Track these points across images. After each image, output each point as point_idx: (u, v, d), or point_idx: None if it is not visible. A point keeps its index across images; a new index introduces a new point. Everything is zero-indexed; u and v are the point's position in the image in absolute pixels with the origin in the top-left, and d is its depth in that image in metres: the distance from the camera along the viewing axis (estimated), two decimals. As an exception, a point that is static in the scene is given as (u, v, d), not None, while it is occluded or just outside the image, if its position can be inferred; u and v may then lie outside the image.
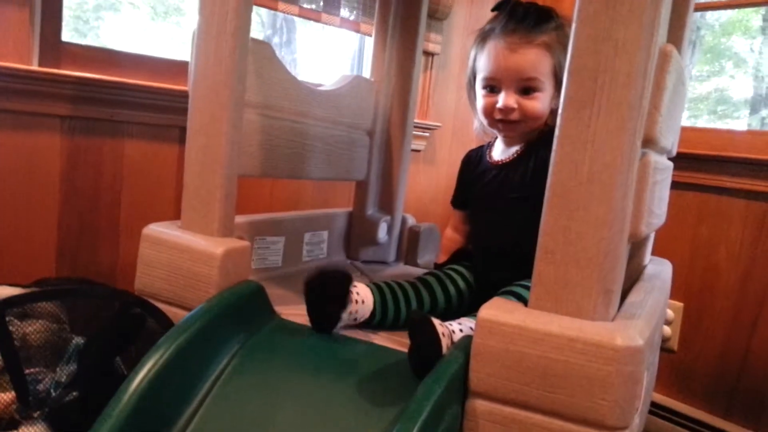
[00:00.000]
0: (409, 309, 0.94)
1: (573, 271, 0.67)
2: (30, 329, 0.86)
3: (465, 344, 0.71)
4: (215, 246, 0.85)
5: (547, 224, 0.69)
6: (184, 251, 0.87)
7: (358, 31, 1.49)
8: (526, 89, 0.98)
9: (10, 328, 0.83)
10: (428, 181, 1.74)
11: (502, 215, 1.04)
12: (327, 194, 1.52)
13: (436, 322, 0.77)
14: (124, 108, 1.21)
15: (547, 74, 0.98)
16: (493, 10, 1.03)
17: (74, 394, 0.80)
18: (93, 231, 1.22)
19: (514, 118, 0.99)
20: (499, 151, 1.07)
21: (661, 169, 0.78)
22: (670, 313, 1.51)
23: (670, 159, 1.08)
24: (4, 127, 1.09)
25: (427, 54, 1.63)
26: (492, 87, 1.00)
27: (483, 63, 1.00)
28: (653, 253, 1.49)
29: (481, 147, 1.14)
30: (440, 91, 1.72)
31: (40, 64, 1.13)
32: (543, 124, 1.02)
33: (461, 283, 1.03)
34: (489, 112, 1.01)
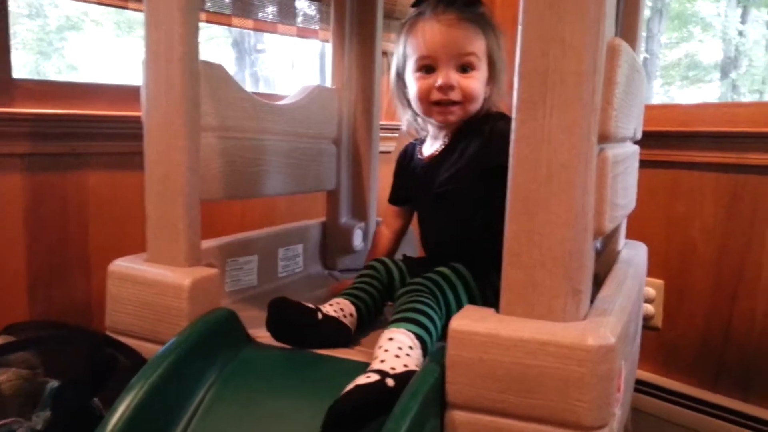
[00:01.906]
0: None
1: (540, 273, 0.67)
2: (1, 378, 0.84)
3: (439, 356, 0.70)
4: (182, 277, 0.84)
5: (510, 228, 0.68)
6: (152, 285, 0.85)
7: (316, 38, 1.48)
8: (464, 67, 0.96)
9: (-19, 379, 0.81)
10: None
11: (433, 211, 1.05)
12: (301, 206, 1.51)
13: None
14: (84, 140, 1.19)
15: (482, 54, 0.97)
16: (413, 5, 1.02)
17: (50, 441, 0.78)
18: (63, 267, 1.20)
19: (455, 98, 0.96)
20: (428, 145, 1.07)
21: (622, 159, 0.78)
22: (651, 291, 1.52)
23: (636, 142, 1.09)
24: (-39, 171, 1.07)
25: (390, 54, 1.62)
26: (428, 67, 0.97)
27: (415, 45, 0.98)
28: (630, 233, 1.50)
29: (416, 141, 1.13)
30: (405, 90, 1.71)
31: (-6, 105, 1.11)
32: (477, 112, 1.00)
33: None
34: (425, 94, 0.98)
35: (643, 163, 1.47)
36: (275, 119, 1.10)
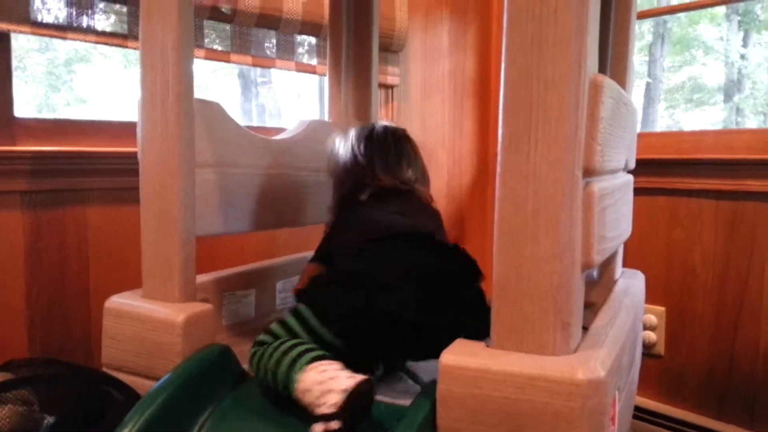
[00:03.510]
0: None
1: (529, 307, 0.67)
2: (-1, 416, 0.84)
3: (431, 391, 0.70)
4: (176, 313, 0.84)
5: (498, 262, 0.68)
6: (146, 321, 0.86)
7: (314, 73, 1.50)
8: None
9: (-23, 417, 0.82)
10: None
11: None
12: (301, 237, 1.52)
13: None
14: (83, 176, 1.20)
15: None
16: None
17: (45, 482, 0.78)
18: (63, 303, 1.20)
19: None
20: None
21: (611, 192, 0.79)
22: (652, 318, 1.51)
23: (631, 171, 1.09)
24: (-38, 210, 1.08)
25: (387, 86, 1.64)
26: None
27: None
28: (630, 260, 1.49)
29: None
30: (403, 121, 1.73)
31: (-5, 142, 1.13)
32: None
33: None
34: None
35: (642, 191, 1.48)
36: (272, 154, 1.11)
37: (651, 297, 1.50)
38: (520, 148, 0.66)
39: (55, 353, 1.18)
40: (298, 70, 1.45)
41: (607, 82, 0.68)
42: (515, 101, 0.66)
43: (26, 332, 1.17)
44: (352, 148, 1.06)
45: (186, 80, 0.87)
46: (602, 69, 1.07)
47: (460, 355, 0.68)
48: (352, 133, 1.08)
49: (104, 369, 0.91)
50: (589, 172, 0.68)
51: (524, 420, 0.64)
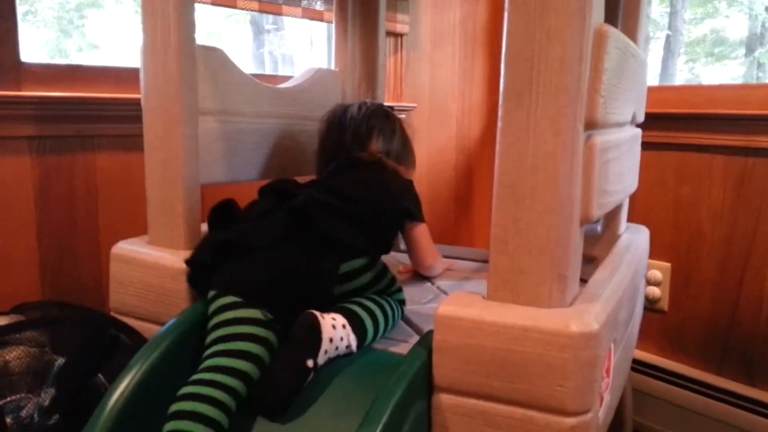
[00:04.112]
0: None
1: (526, 260, 0.68)
2: (10, 356, 0.87)
3: (427, 340, 0.71)
4: (181, 261, 0.86)
5: (497, 215, 0.69)
6: (152, 268, 0.87)
7: (322, 20, 1.48)
8: None
9: (-10, 357, 0.85)
10: (414, 162, 1.73)
11: None
12: (306, 187, 1.52)
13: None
14: (91, 122, 1.20)
15: None
16: None
17: (56, 417, 0.81)
18: (73, 249, 1.22)
19: None
20: None
21: (614, 146, 0.78)
22: (657, 274, 1.51)
23: (641, 124, 1.08)
24: (-29, 154, 1.10)
25: (396, 35, 1.61)
26: None
27: None
28: (637, 215, 1.49)
29: None
30: (413, 71, 1.71)
31: (1, 88, 1.13)
32: None
33: None
34: None
35: (651, 146, 1.46)
36: (276, 102, 1.11)
37: (657, 253, 1.50)
38: (521, 102, 0.65)
39: (67, 297, 1.20)
40: (305, 17, 1.43)
41: (613, 33, 0.67)
42: (517, 53, 0.65)
43: (38, 276, 1.19)
44: (326, 125, 1.08)
45: (187, 26, 0.86)
46: (613, 20, 1.04)
47: (456, 306, 0.69)
48: (329, 113, 1.10)
49: (112, 313, 0.93)
50: (591, 125, 0.67)
51: (517, 370, 0.66)
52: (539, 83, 0.64)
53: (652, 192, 1.50)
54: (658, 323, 1.54)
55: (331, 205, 0.88)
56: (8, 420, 0.80)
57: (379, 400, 0.65)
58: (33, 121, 1.14)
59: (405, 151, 1.10)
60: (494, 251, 0.69)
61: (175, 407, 0.68)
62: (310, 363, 0.73)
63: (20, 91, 1.14)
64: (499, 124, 0.67)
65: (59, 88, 1.18)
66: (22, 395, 0.85)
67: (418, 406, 0.69)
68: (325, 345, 0.74)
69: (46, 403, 0.84)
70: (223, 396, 0.69)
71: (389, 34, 1.57)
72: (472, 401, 0.69)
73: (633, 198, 1.48)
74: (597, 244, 1.09)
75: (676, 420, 1.47)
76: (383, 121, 1.07)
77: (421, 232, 1.03)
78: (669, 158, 1.47)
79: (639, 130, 1.06)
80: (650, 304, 1.53)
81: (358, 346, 0.79)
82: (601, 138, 0.70)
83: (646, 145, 1.44)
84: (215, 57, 0.96)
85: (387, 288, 0.89)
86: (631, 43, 0.82)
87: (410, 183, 1.03)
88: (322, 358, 0.74)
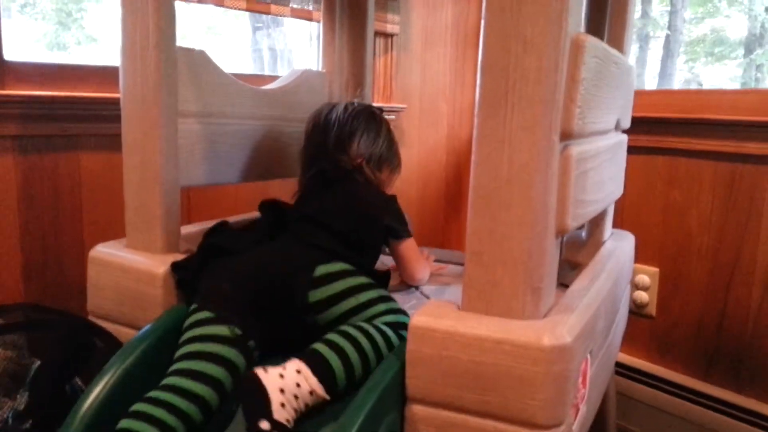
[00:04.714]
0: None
1: (500, 272, 0.67)
2: (-14, 359, 0.86)
3: (401, 351, 0.71)
4: (157, 265, 0.85)
5: (472, 226, 0.68)
6: (128, 272, 0.87)
7: (311, 20, 1.46)
8: None
9: (-35, 360, 0.84)
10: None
11: None
12: (294, 189, 1.51)
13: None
14: (75, 121, 1.19)
15: None
16: None
17: (29, 422, 0.81)
18: (57, 249, 1.22)
19: None
20: None
21: (594, 155, 0.77)
22: (645, 279, 1.51)
23: (631, 128, 1.07)
24: (-47, 153, 1.09)
25: (386, 35, 1.60)
26: None
27: None
28: (626, 219, 1.49)
29: None
30: (404, 71, 1.70)
31: (-15, 85, 1.12)
32: None
33: None
34: None
35: (641, 150, 1.45)
36: (261, 104, 1.10)
37: (645, 257, 1.50)
38: (497, 113, 0.64)
39: (51, 299, 1.20)
40: (294, 16, 1.42)
41: (591, 42, 0.66)
42: (493, 63, 0.64)
43: (21, 277, 1.18)
44: (311, 126, 1.07)
45: (167, 26, 0.85)
46: (600, 26, 1.03)
47: (430, 317, 0.68)
48: (315, 112, 1.08)
49: (90, 317, 0.93)
50: (567, 136, 0.66)
51: (490, 382, 0.65)
52: (515, 93, 0.63)
53: (641, 197, 1.50)
54: (645, 328, 1.53)
55: (314, 221, 0.88)
56: (-20, 424, 0.80)
57: (350, 411, 0.64)
58: (16, 120, 1.13)
59: (390, 153, 1.09)
60: (469, 262, 0.69)
61: (123, 424, 0.68)
62: (264, 425, 0.66)
63: (3, 89, 1.14)
64: (475, 133, 0.67)
65: (43, 87, 1.18)
66: (-2, 399, 0.85)
67: (390, 417, 0.68)
68: (276, 399, 0.68)
69: (21, 408, 0.84)
70: (172, 420, 0.69)
71: (379, 34, 1.57)
72: (445, 413, 0.68)
73: (622, 202, 1.48)
74: (581, 251, 1.09)
75: (662, 425, 1.47)
76: (367, 122, 1.06)
77: (407, 247, 1.01)
78: (659, 163, 1.46)
79: (624, 137, 1.05)
80: (638, 309, 1.53)
81: (328, 388, 0.71)
82: (578, 148, 0.69)
83: (635, 150, 1.44)
84: (197, 58, 0.95)
85: (376, 310, 0.81)
86: (613, 50, 0.81)
87: (392, 199, 1.02)
88: (282, 413, 0.67)
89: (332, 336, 0.75)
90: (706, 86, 2.22)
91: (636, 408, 1.51)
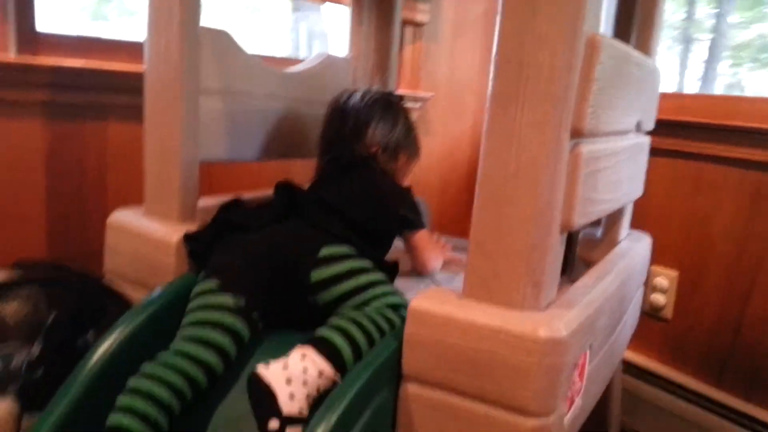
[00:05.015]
0: None
1: (502, 263, 0.68)
2: (7, 310, 0.90)
3: (399, 332, 0.72)
4: (171, 234, 0.88)
5: (477, 217, 0.69)
6: (144, 239, 0.90)
7: (341, 3, 1.47)
8: None
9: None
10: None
11: None
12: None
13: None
14: (103, 92, 1.23)
15: None
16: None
17: (41, 370, 0.84)
18: (81, 214, 1.25)
19: None
20: None
21: (608, 154, 0.77)
22: (663, 281, 1.49)
23: (655, 131, 1.06)
24: (-13, 115, 1.13)
25: (415, 24, 1.60)
26: None
27: None
28: (648, 221, 1.47)
29: None
30: (432, 61, 1.69)
31: (18, 55, 1.15)
32: None
33: None
34: None
35: (668, 153, 1.44)
36: (283, 85, 1.11)
37: (664, 260, 1.48)
38: (508, 108, 0.65)
39: (73, 259, 1.23)
40: (323, 1, 1.43)
41: (607, 42, 0.66)
42: (507, 57, 0.65)
43: (46, 240, 1.22)
44: (330, 111, 1.08)
45: (192, 6, 0.87)
46: (628, 27, 1.02)
47: (430, 301, 0.70)
48: (334, 98, 1.09)
49: (105, 278, 0.96)
50: (577, 134, 0.66)
51: (485, 369, 0.66)
52: (527, 89, 0.64)
53: (665, 199, 1.48)
54: (660, 331, 1.52)
55: (328, 206, 0.91)
56: (-2, 368, 0.84)
57: (342, 385, 0.66)
58: (46, 87, 1.17)
59: (407, 141, 1.09)
60: (472, 252, 0.70)
61: (132, 382, 0.71)
62: (273, 424, 0.66)
63: (35, 59, 1.17)
64: (485, 127, 0.67)
65: (74, 58, 1.21)
66: (15, 347, 0.89)
67: (383, 393, 0.70)
68: (283, 392, 0.68)
69: (35, 357, 0.88)
70: (181, 382, 0.71)
71: (408, 22, 1.57)
72: (438, 393, 0.69)
73: (645, 204, 1.46)
74: (596, 249, 1.09)
75: (669, 428, 1.46)
76: (384, 110, 1.06)
77: (420, 238, 1.01)
78: (684, 167, 1.44)
79: (646, 138, 1.04)
80: (654, 311, 1.52)
81: (337, 366, 0.71)
82: (589, 147, 0.69)
83: (662, 152, 1.43)
84: (220, 38, 0.97)
85: (375, 293, 0.81)
86: (635, 52, 0.81)
87: (407, 190, 1.03)
88: (292, 405, 0.68)
89: (334, 320, 0.76)
90: (749, 92, 2.17)
91: (643, 408, 1.50)
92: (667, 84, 1.79)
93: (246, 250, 0.83)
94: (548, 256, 0.67)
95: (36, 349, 0.87)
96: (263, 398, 0.68)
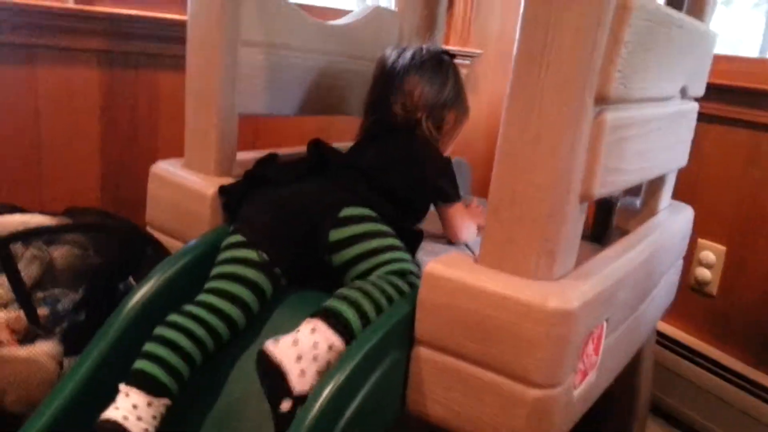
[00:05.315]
0: None
1: (517, 230, 0.67)
2: (56, 254, 0.96)
3: (412, 295, 0.73)
4: (207, 186, 0.90)
5: (495, 182, 0.68)
6: (182, 190, 0.93)
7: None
8: None
9: (38, 252, 0.94)
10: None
11: None
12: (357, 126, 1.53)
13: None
14: (156, 41, 1.26)
15: None
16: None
17: (83, 313, 0.90)
18: (133, 161, 1.30)
19: None
20: None
21: (639, 122, 0.75)
22: (710, 256, 1.44)
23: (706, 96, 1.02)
24: (44, 62, 1.17)
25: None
26: None
27: None
28: (696, 192, 1.41)
29: None
30: (483, 15, 1.65)
31: (75, 1, 1.19)
32: None
33: None
34: None
35: (722, 120, 1.37)
36: (327, 39, 1.11)
37: (712, 234, 1.43)
38: (531, 70, 0.63)
39: (123, 206, 1.29)
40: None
41: (640, 3, 0.63)
42: (533, 16, 0.63)
43: (99, 187, 1.28)
44: (378, 71, 1.06)
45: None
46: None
47: (444, 265, 0.70)
48: (382, 56, 1.07)
49: (147, 227, 1.01)
50: (603, 100, 0.64)
51: (491, 335, 0.67)
52: (551, 51, 0.62)
53: (717, 170, 1.42)
54: (703, 306, 1.48)
55: (361, 171, 0.92)
56: (45, 311, 0.90)
57: (354, 346, 0.68)
58: (101, 35, 1.20)
59: (456, 103, 1.06)
60: (489, 216, 0.69)
61: (158, 331, 0.74)
62: (285, 406, 0.66)
63: (92, 5, 1.21)
64: (508, 89, 0.66)
65: (128, 6, 1.24)
66: (62, 290, 0.94)
67: (395, 355, 0.71)
68: (293, 370, 0.67)
69: (78, 301, 0.93)
70: (202, 333, 0.75)
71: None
72: (449, 358, 0.70)
73: (695, 174, 1.41)
74: (633, 219, 1.06)
75: (703, 404, 1.43)
76: (433, 71, 1.04)
77: (455, 211, 1.00)
78: (738, 136, 1.37)
79: (692, 105, 0.99)
80: (699, 286, 1.48)
81: (346, 338, 0.69)
82: (615, 114, 0.67)
83: (717, 119, 1.36)
84: (264, -11, 0.97)
85: (385, 257, 0.80)
86: (679, 14, 0.76)
87: (447, 161, 1.01)
88: (303, 382, 0.67)
89: (343, 290, 0.74)
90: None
91: (680, 385, 1.48)
92: (749, 46, 1.66)
93: (272, 205, 0.85)
94: (564, 225, 0.66)
95: (80, 294, 0.93)
96: (274, 377, 0.67)
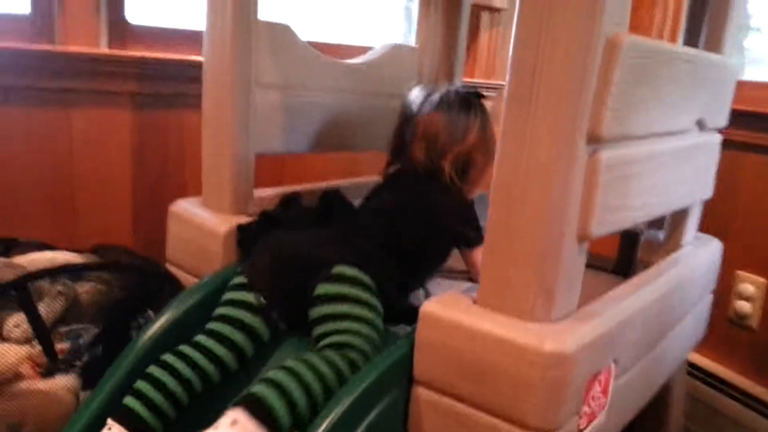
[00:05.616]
0: None
1: (512, 269, 0.67)
2: (81, 290, 1.00)
3: (411, 334, 0.73)
4: (220, 224, 0.93)
5: (491, 220, 0.68)
6: (197, 228, 0.96)
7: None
8: None
9: (63, 288, 0.97)
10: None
11: None
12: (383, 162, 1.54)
13: None
14: (184, 82, 1.30)
15: None
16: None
17: (100, 347, 0.93)
18: (162, 198, 1.33)
19: None
20: None
21: (644, 158, 0.73)
22: (750, 288, 1.38)
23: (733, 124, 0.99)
24: (78, 105, 1.23)
25: (492, 10, 1.56)
26: None
27: None
28: (734, 223, 1.36)
29: None
30: (508, 47, 1.64)
31: (109, 46, 1.25)
32: None
33: None
34: None
35: (758, 149, 1.31)
36: (345, 77, 1.13)
37: (752, 266, 1.37)
38: (521, 110, 0.63)
39: (154, 244, 1.33)
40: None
41: (630, 42, 0.62)
42: (522, 57, 0.63)
43: (130, 223, 1.33)
44: (403, 112, 1.03)
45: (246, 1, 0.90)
46: (699, 21, 0.95)
47: (441, 306, 0.70)
48: (410, 96, 1.04)
49: (167, 264, 1.03)
50: (596, 139, 0.63)
51: (488, 378, 0.66)
52: (540, 93, 0.62)
53: (755, 200, 1.36)
54: (744, 340, 1.41)
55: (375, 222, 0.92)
56: (67, 345, 0.93)
57: (352, 383, 0.68)
58: (133, 78, 1.26)
59: (484, 143, 1.01)
60: (486, 255, 0.69)
61: (149, 369, 0.76)
62: None
63: (124, 49, 1.26)
64: (502, 127, 0.66)
65: (157, 48, 1.29)
66: (85, 325, 0.98)
67: (393, 394, 0.71)
68: None
69: (96, 336, 0.96)
70: (190, 374, 0.76)
71: (484, 8, 1.53)
72: (445, 398, 0.70)
73: (731, 205, 1.35)
74: (656, 253, 1.03)
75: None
76: (460, 114, 0.99)
77: (479, 253, 0.92)
78: (776, 165, 1.32)
79: (714, 136, 0.96)
80: (738, 320, 1.41)
81: (273, 427, 0.65)
82: (613, 152, 0.66)
83: (752, 148, 1.31)
84: (279, 32, 1.00)
85: (339, 326, 0.76)
86: (683, 48, 0.75)
87: (468, 207, 0.98)
88: None
89: (270, 373, 0.70)
90: None
91: (719, 421, 1.41)
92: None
93: (277, 250, 0.86)
94: (560, 264, 0.65)
95: (98, 329, 0.96)
96: None
